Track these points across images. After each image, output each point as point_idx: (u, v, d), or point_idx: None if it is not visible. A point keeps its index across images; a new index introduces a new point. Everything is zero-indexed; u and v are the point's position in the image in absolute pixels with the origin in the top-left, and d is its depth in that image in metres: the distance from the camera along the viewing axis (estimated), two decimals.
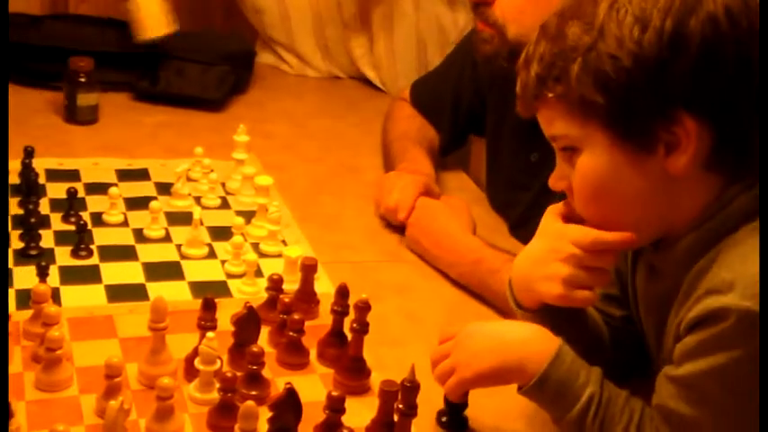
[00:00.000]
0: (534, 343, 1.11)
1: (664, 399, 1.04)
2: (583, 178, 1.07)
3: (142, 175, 1.76)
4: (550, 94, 1.05)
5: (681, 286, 1.05)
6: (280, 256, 1.52)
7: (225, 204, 1.70)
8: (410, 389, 1.11)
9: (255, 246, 1.56)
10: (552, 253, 1.13)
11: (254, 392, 1.17)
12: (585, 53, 1.02)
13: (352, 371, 1.24)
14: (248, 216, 1.61)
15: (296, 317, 1.27)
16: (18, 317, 1.28)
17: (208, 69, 2.15)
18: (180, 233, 1.56)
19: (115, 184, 1.67)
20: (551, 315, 1.16)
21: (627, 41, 1.00)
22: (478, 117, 1.83)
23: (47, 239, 1.50)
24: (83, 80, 1.93)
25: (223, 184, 1.74)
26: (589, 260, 1.11)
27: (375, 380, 1.24)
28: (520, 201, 1.66)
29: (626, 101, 1.02)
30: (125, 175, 1.74)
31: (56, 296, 1.34)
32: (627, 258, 1.19)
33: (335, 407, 1.10)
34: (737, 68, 1.01)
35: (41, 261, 1.34)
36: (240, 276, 1.47)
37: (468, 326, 1.18)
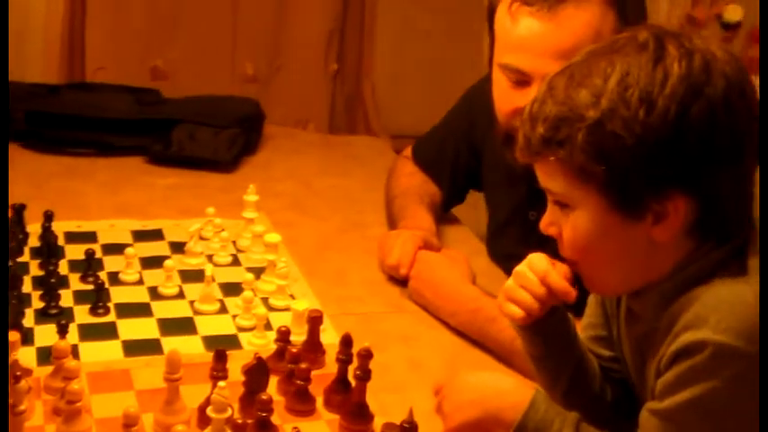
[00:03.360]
0: (511, 394, 1.19)
1: None
2: (573, 233, 1.13)
3: (156, 235, 1.83)
4: (552, 158, 1.10)
5: (657, 329, 1.12)
6: (288, 309, 1.59)
7: (236, 261, 1.77)
8: (408, 430, 1.18)
9: (265, 300, 1.63)
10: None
11: None
12: (591, 126, 1.06)
13: (356, 416, 1.31)
14: (258, 272, 1.68)
15: (303, 366, 1.33)
16: (39, 372, 1.35)
17: (218, 132, 2.24)
18: (193, 290, 1.64)
19: (131, 245, 1.74)
20: (537, 330, 1.23)
21: (632, 123, 1.04)
22: (476, 174, 1.91)
23: (66, 299, 1.57)
24: None
25: (234, 242, 1.81)
26: (527, 282, 1.20)
27: (378, 424, 1.30)
28: (519, 254, 1.72)
29: (624, 175, 1.06)
30: (140, 236, 1.82)
31: (75, 352, 1.41)
32: (613, 302, 1.25)
33: None
34: (730, 153, 1.07)
35: (61, 319, 1.40)
36: (250, 330, 1.53)
37: (457, 377, 1.25)
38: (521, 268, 1.22)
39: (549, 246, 1.22)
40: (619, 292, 1.20)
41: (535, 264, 1.21)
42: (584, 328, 1.32)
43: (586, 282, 1.18)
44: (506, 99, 1.59)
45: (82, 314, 1.54)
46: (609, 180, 1.07)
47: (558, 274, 1.18)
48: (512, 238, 1.78)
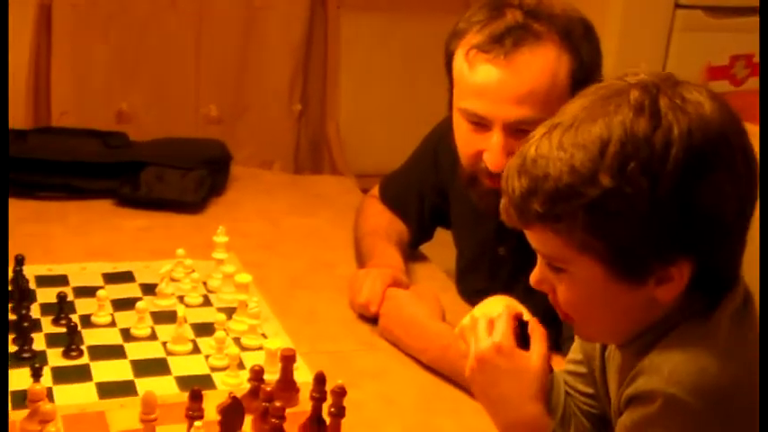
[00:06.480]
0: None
1: None
2: (570, 295, 1.11)
3: (127, 277, 1.84)
4: (550, 233, 1.07)
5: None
6: (260, 348, 1.60)
7: (207, 302, 1.78)
8: None
9: (237, 340, 1.65)
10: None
11: None
12: (592, 204, 1.02)
13: None
14: (229, 312, 1.70)
15: (277, 404, 1.34)
16: (15, 416, 1.36)
17: (186, 174, 2.25)
18: (165, 331, 1.65)
19: (102, 287, 1.75)
20: None
21: (636, 200, 1.01)
22: (443, 212, 1.94)
23: (39, 342, 1.58)
24: None
25: (205, 283, 1.83)
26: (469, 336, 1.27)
27: None
28: (489, 290, 1.75)
29: (629, 249, 1.04)
30: (111, 278, 1.83)
31: (49, 395, 1.41)
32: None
33: None
34: (735, 219, 1.07)
35: (35, 363, 1.41)
36: (223, 369, 1.55)
37: (485, 349, 1.26)
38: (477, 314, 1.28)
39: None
40: (608, 341, 1.20)
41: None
42: (567, 361, 1.34)
43: (577, 330, 1.18)
44: (468, 142, 1.63)
45: (55, 357, 1.55)
46: (612, 253, 1.05)
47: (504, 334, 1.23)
48: (481, 274, 1.81)
